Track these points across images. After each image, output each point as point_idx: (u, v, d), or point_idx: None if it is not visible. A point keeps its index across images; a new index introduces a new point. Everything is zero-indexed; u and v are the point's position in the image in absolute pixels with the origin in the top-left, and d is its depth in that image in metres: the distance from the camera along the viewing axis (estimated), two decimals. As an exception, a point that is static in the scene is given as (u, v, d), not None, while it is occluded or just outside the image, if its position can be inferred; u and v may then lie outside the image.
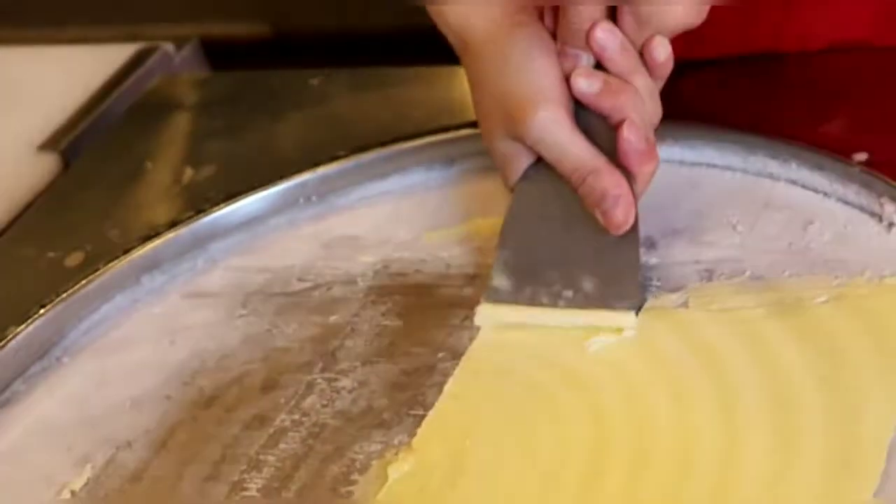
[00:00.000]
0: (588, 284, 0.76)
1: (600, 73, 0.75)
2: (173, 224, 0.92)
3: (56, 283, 0.89)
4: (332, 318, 0.83)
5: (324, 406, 0.77)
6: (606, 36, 0.74)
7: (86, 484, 0.76)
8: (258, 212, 0.93)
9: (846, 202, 0.81)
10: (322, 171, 0.94)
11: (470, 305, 0.79)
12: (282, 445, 0.75)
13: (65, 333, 0.87)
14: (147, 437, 0.78)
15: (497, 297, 0.78)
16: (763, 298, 0.75)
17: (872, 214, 0.80)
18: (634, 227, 0.75)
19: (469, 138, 0.90)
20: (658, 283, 0.79)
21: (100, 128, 1.13)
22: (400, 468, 0.70)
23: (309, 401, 0.78)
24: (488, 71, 0.77)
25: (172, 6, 1.33)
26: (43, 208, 1.03)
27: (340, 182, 0.94)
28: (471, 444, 0.71)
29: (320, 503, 0.70)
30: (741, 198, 0.84)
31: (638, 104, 0.75)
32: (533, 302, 0.77)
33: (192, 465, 0.75)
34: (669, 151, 0.87)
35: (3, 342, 0.84)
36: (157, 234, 0.91)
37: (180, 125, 1.11)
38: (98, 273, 0.89)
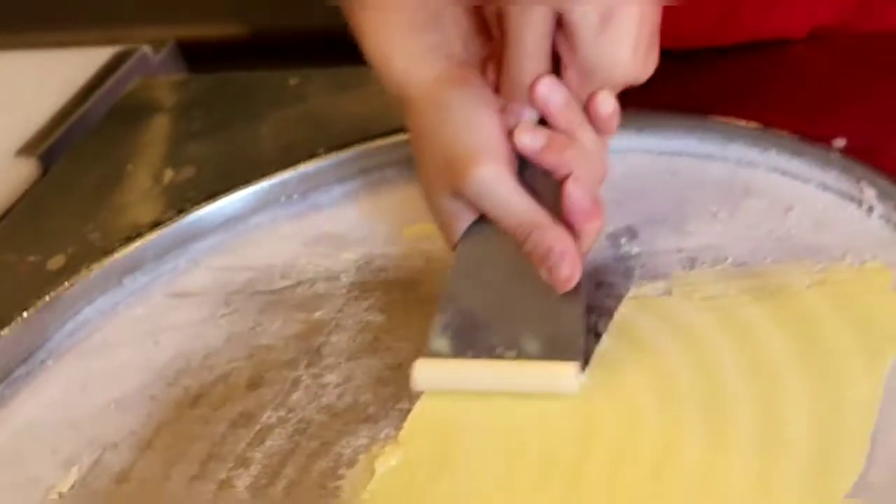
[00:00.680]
0: (530, 345, 0.73)
1: (544, 129, 0.73)
2: (154, 225, 0.92)
3: (38, 286, 0.89)
4: (316, 315, 0.83)
5: (309, 402, 0.77)
6: (550, 91, 0.72)
7: (73, 486, 0.76)
8: (239, 211, 0.93)
9: (826, 188, 0.82)
10: (302, 169, 0.94)
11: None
12: (268, 442, 0.75)
13: (48, 336, 0.87)
14: (133, 438, 0.78)
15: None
16: (745, 285, 0.76)
17: (852, 199, 0.80)
18: (579, 285, 0.73)
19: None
20: (641, 273, 0.79)
21: (78, 131, 1.13)
22: (387, 462, 0.70)
23: (295, 397, 0.78)
24: (430, 127, 0.75)
25: (149, 9, 1.33)
26: (23, 213, 1.03)
27: (320, 180, 0.94)
28: (457, 436, 0.71)
29: (308, 499, 0.70)
30: (721, 186, 0.84)
31: (583, 160, 0.73)
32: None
33: (179, 465, 0.75)
34: (649, 142, 0.87)
35: (-14, 346, 0.84)
36: (138, 236, 0.92)
37: (159, 127, 1.11)
38: (80, 276, 0.89)
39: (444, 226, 0.77)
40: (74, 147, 1.11)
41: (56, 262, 0.93)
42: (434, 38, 0.75)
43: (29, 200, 1.05)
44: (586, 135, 0.73)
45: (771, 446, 0.66)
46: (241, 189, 0.94)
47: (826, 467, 0.64)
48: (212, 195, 0.94)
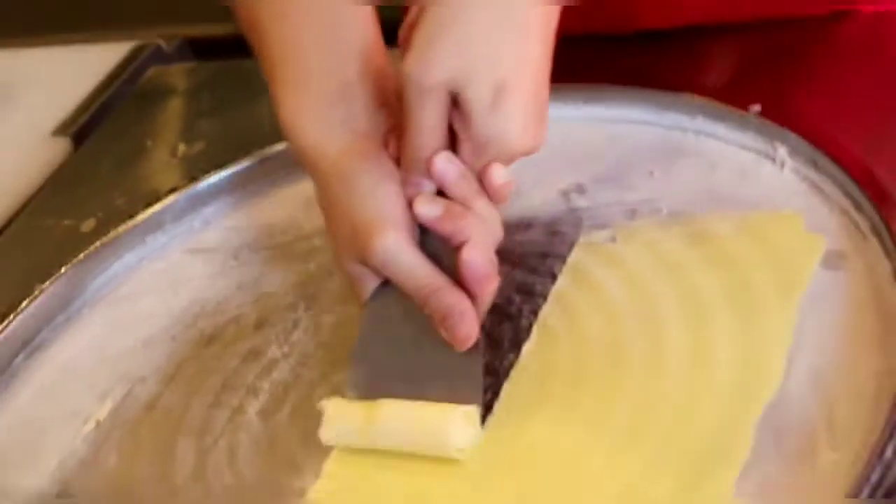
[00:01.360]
0: (433, 394, 0.68)
1: (441, 199, 0.69)
2: (171, 191, 0.92)
3: (73, 246, 0.90)
4: (312, 266, 0.84)
5: (309, 339, 0.78)
6: (445, 166, 0.69)
7: (108, 414, 0.77)
8: (244, 178, 0.93)
9: (745, 147, 0.82)
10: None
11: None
12: (274, 374, 0.76)
13: (83, 288, 0.87)
14: (158, 373, 0.79)
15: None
16: (678, 232, 0.76)
17: (767, 156, 0.80)
18: (478, 343, 0.69)
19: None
20: (589, 223, 0.79)
21: (104, 114, 1.13)
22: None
23: (296, 335, 0.78)
24: (336, 196, 0.71)
25: (162, 11, 1.33)
26: (58, 184, 1.04)
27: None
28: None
29: (310, 422, 0.70)
30: (657, 148, 0.84)
31: (478, 227, 0.69)
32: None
33: (198, 395, 0.77)
34: (595, 110, 0.87)
35: (31, 298, 0.85)
36: (157, 201, 0.92)
37: (173, 108, 1.12)
38: (109, 236, 0.90)
39: (352, 288, 0.73)
40: (101, 127, 1.11)
41: (88, 224, 0.94)
42: (341, 113, 0.71)
43: (63, 173, 1.05)
44: (481, 203, 0.69)
45: (702, 362, 0.67)
46: (245, 160, 0.94)
47: (750, 380, 0.65)
48: (220, 165, 0.94)
